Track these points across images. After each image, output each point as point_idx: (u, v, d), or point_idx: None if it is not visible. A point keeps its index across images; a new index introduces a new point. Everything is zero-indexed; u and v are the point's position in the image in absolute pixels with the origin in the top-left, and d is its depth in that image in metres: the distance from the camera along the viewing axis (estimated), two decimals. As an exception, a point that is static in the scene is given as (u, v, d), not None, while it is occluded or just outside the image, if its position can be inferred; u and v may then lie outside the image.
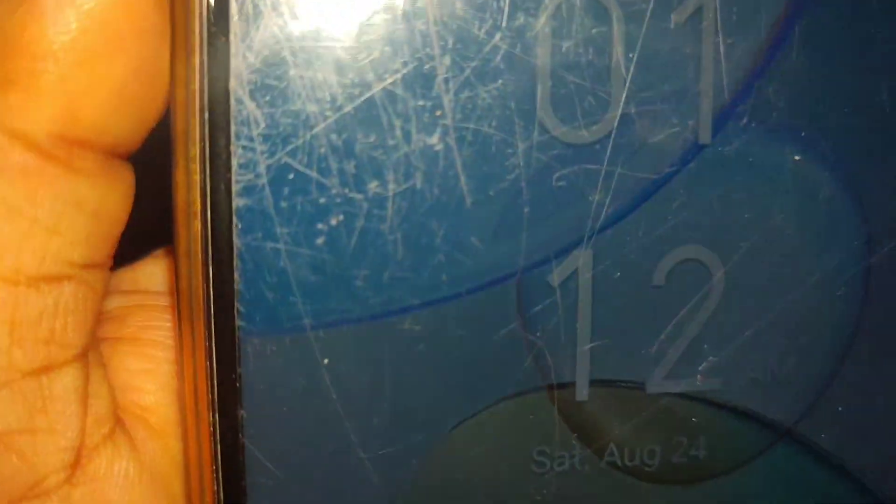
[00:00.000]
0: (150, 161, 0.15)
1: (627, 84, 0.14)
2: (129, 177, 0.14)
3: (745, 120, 0.14)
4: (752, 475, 0.15)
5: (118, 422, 0.15)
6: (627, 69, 0.14)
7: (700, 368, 0.15)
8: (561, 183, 0.14)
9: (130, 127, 0.13)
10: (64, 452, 0.14)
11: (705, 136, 0.14)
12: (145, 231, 0.15)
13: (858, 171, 0.15)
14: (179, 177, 0.13)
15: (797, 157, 0.15)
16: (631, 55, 0.14)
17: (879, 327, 0.15)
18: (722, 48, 0.14)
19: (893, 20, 0.15)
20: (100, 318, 0.15)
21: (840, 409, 0.15)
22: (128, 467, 0.14)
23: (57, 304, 0.13)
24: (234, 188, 0.13)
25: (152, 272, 0.16)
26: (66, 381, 0.14)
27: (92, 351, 0.14)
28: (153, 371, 0.15)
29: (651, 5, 0.14)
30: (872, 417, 0.16)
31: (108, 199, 0.14)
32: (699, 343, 0.15)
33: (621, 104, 0.14)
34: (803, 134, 0.15)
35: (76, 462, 0.14)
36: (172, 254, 0.14)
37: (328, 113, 0.13)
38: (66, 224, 0.13)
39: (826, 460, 0.16)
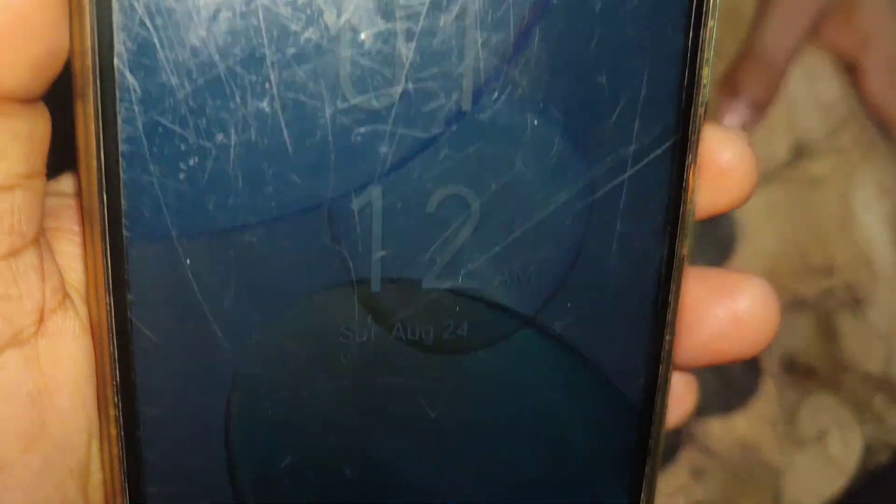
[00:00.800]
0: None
1: (406, 68, 0.19)
2: (44, 109, 0.19)
3: (496, 94, 0.20)
4: (503, 350, 0.21)
5: (66, 293, 0.20)
6: (407, 56, 0.19)
7: (461, 272, 0.21)
8: (358, 138, 0.19)
9: (41, 86, 0.18)
10: (32, 313, 0.19)
11: (467, 105, 0.20)
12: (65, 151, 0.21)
13: (583, 133, 0.20)
14: (80, 126, 0.19)
15: (535, 122, 0.20)
16: (410, 45, 0.19)
17: (599, 247, 0.21)
18: (479, 41, 0.19)
19: (609, 22, 0.20)
20: (43, 213, 0.20)
21: (569, 305, 0.21)
22: (74, 325, 0.20)
23: (12, 206, 0.18)
24: (120, 137, 0.18)
25: (74, 181, 0.22)
26: (27, 261, 0.19)
27: (42, 238, 0.20)
28: (82, 256, 0.21)
29: (426, 8, 0.19)
30: (595, 314, 0.22)
31: (34, 128, 0.19)
32: (461, 254, 0.20)
33: (402, 82, 0.19)
34: (541, 105, 0.20)
35: (41, 320, 0.19)
36: (76, 180, 0.20)
37: (187, 85, 0.19)
38: (9, 150, 0.18)
39: (557, 342, 0.21)
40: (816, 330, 0.49)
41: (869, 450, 0.49)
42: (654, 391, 0.22)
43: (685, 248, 0.21)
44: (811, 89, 0.49)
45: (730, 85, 0.47)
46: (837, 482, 0.48)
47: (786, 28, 0.47)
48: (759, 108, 0.47)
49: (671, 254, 0.21)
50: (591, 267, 0.21)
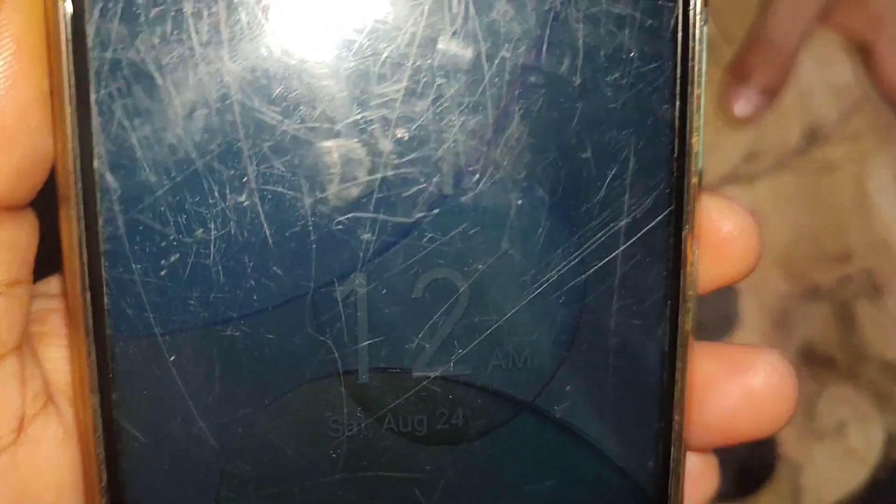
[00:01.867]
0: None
1: (385, 155, 0.19)
2: (31, 216, 0.19)
3: (477, 176, 0.19)
4: (501, 438, 0.21)
5: (49, 397, 0.20)
6: (385, 144, 0.19)
7: (452, 358, 0.20)
8: (339, 227, 0.19)
9: (26, 192, 0.19)
10: (11, 421, 0.19)
11: (448, 189, 0.19)
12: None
13: (571, 209, 0.20)
14: (64, 228, 0.19)
15: (520, 202, 0.20)
16: (387, 132, 0.19)
17: (594, 326, 0.20)
18: (457, 124, 0.19)
19: (590, 96, 0.19)
20: (28, 318, 0.20)
21: (568, 388, 0.21)
22: (56, 430, 0.19)
23: None
24: (102, 237, 0.19)
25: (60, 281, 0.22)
26: (7, 369, 0.19)
27: (25, 344, 0.19)
28: (68, 358, 0.21)
29: (401, 94, 0.19)
30: (597, 396, 0.21)
31: (18, 235, 0.19)
32: (451, 339, 0.20)
33: (381, 169, 0.19)
34: (524, 185, 0.20)
35: (20, 427, 0.19)
36: (62, 281, 0.20)
37: (165, 181, 0.19)
38: None
39: (559, 427, 0.21)
40: (834, 319, 0.48)
41: (890, 441, 0.47)
42: (667, 475, 0.21)
43: (689, 322, 0.21)
44: (823, 73, 0.48)
45: (739, 71, 0.46)
46: (858, 475, 0.47)
47: (795, 11, 0.46)
48: (770, 94, 0.46)
49: (674, 329, 0.21)
50: (590, 346, 0.20)
